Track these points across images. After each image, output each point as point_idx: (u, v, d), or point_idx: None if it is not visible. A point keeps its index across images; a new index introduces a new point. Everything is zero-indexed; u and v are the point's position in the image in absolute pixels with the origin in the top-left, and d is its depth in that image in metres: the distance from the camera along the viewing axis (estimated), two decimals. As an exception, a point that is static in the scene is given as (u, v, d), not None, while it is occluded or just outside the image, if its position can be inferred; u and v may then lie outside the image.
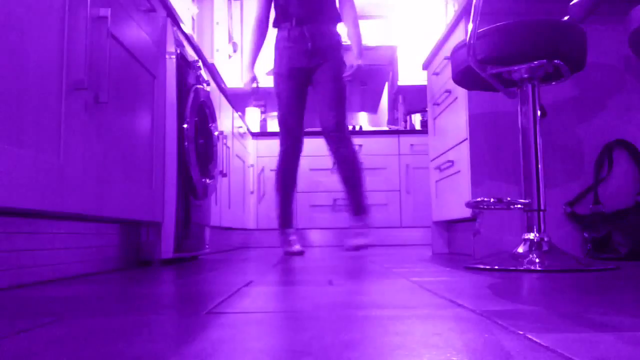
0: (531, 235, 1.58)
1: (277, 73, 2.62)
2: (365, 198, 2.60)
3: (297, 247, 2.56)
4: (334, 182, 4.19)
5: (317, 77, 2.58)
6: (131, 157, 1.62)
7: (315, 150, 4.21)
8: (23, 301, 0.89)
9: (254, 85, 2.70)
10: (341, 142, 2.54)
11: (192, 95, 2.14)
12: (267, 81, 4.52)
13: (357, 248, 2.54)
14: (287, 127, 2.60)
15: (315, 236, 4.24)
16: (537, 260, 1.50)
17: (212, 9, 4.39)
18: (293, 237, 2.63)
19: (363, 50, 2.65)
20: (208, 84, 2.48)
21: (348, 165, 2.55)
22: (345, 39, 2.98)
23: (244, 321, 0.66)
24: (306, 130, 4.37)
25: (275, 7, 2.62)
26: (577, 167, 2.10)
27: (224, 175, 2.82)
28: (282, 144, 2.63)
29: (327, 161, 4.22)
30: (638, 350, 0.48)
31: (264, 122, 4.79)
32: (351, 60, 2.61)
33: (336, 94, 2.55)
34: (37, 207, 1.06)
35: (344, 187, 2.58)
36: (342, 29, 2.75)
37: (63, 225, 1.36)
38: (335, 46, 2.60)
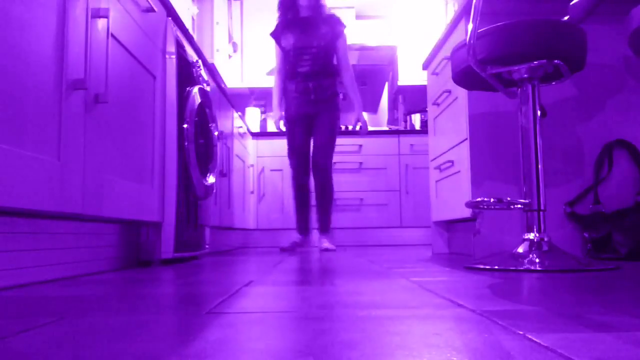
0: (531, 235, 1.58)
1: (287, 117, 3.30)
2: (331, 221, 3.32)
3: (294, 244, 3.27)
4: (333, 181, 4.19)
5: (316, 123, 3.24)
6: (131, 157, 1.62)
7: (315, 150, 4.21)
8: (23, 301, 0.89)
9: (281, 123, 3.35)
10: (324, 176, 3.21)
11: (192, 95, 2.14)
12: (267, 81, 4.52)
13: (328, 250, 3.12)
14: (297, 159, 3.26)
15: (315, 236, 4.23)
16: (537, 260, 1.50)
17: (212, 9, 4.39)
18: (298, 240, 3.31)
19: (361, 102, 3.34)
20: (208, 84, 2.48)
21: (325, 195, 3.24)
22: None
23: (244, 321, 0.66)
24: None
25: (287, 64, 3.27)
26: (577, 167, 2.10)
27: (224, 175, 2.82)
28: (293, 169, 3.30)
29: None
30: (638, 350, 0.48)
31: (264, 122, 4.79)
32: (356, 114, 3.33)
33: (328, 140, 3.21)
34: (37, 207, 1.06)
35: (318, 209, 3.27)
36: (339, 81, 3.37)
37: (63, 225, 1.36)
38: (331, 97, 3.25)
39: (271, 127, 4.79)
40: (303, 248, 3.31)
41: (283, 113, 3.35)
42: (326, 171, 3.20)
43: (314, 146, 3.22)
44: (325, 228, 3.27)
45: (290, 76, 3.27)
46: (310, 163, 3.24)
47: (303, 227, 3.33)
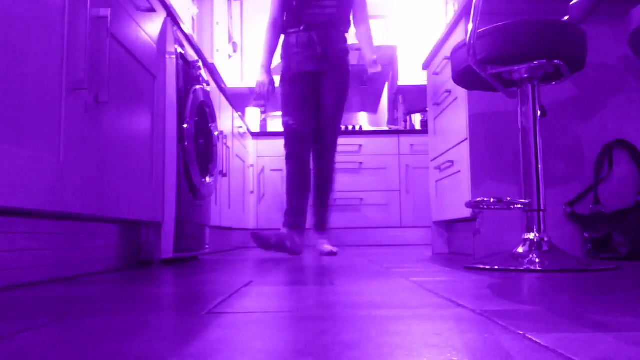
0: (531, 235, 1.58)
1: (286, 77, 2.59)
2: (329, 216, 2.70)
3: (292, 244, 2.43)
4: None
5: (323, 86, 2.60)
6: (131, 157, 1.62)
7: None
8: (23, 301, 0.89)
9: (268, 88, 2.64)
10: (329, 157, 2.62)
11: (192, 95, 2.14)
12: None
13: (331, 254, 2.49)
14: (298, 125, 2.51)
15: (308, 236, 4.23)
16: (537, 260, 1.50)
17: (212, 9, 4.39)
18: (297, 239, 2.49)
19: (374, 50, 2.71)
20: (208, 84, 2.48)
21: (327, 183, 2.63)
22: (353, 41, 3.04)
23: (244, 321, 0.66)
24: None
25: (287, 12, 2.60)
26: (577, 167, 2.09)
27: (224, 175, 2.82)
28: (291, 139, 2.52)
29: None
30: (638, 350, 0.48)
31: (264, 122, 4.79)
32: (368, 57, 2.64)
33: (336, 109, 2.61)
34: (37, 207, 1.06)
35: (315, 201, 2.62)
36: (350, 35, 2.82)
37: (63, 225, 1.36)
38: (342, 54, 2.61)
39: (271, 127, 4.79)
40: (291, 249, 2.44)
41: (274, 77, 2.71)
42: (333, 150, 2.61)
43: (319, 115, 2.61)
44: (323, 225, 2.65)
45: (291, 25, 2.59)
46: (314, 140, 2.60)
47: (297, 220, 2.50)
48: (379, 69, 2.63)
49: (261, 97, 2.62)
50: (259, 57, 2.65)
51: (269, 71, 2.64)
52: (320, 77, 2.61)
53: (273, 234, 2.41)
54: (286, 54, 2.62)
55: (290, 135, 2.54)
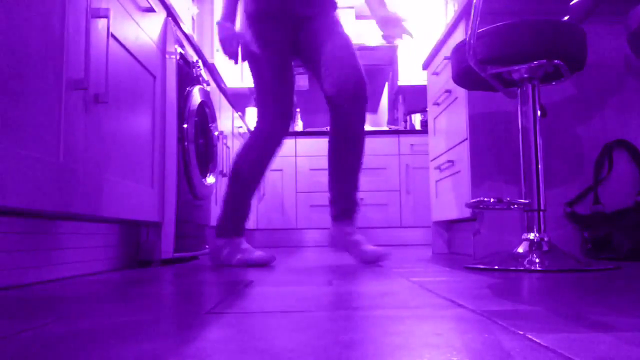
0: (531, 235, 1.58)
1: (258, 17, 1.92)
2: (358, 196, 2.00)
3: (259, 254, 1.80)
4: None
5: (318, 31, 1.89)
6: (131, 157, 1.62)
7: (315, 150, 4.21)
8: (23, 301, 0.89)
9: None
10: (362, 115, 1.88)
11: (192, 95, 2.14)
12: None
13: (375, 258, 1.77)
14: (278, 91, 1.88)
15: (314, 236, 4.24)
16: (537, 260, 1.50)
17: (212, 9, 4.39)
18: (246, 246, 1.86)
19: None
20: (208, 84, 2.48)
21: (359, 149, 1.88)
22: None
23: (244, 321, 0.66)
24: (305, 130, 4.37)
25: None
26: (577, 167, 2.09)
27: (224, 175, 2.82)
28: (264, 123, 1.88)
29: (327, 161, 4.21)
30: (638, 350, 0.48)
31: (264, 122, 4.78)
32: (378, 12, 2.01)
33: (347, 43, 1.87)
34: (37, 207, 1.06)
35: (338, 176, 1.88)
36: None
37: (63, 225, 1.36)
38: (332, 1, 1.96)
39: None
40: (236, 256, 1.83)
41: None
42: (363, 106, 1.89)
43: (327, 69, 1.84)
44: (352, 211, 1.88)
45: None
46: (332, 100, 1.83)
47: (243, 222, 1.91)
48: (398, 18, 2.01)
49: (233, 56, 1.94)
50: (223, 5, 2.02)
51: (230, 24, 1.99)
52: (308, 24, 1.91)
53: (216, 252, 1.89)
54: None
55: (263, 106, 1.90)
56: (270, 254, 1.83)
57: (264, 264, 1.80)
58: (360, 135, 1.89)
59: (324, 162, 4.22)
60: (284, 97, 1.90)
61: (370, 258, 1.77)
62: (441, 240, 2.77)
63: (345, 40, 1.88)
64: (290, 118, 1.93)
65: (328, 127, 4.54)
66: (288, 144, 4.23)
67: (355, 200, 1.90)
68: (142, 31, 1.73)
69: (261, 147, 1.88)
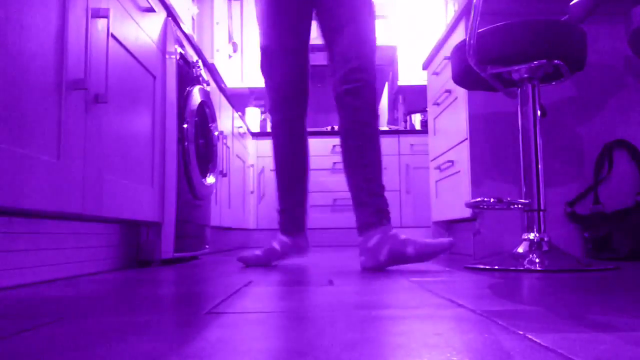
0: (531, 235, 1.58)
1: None
2: (384, 190, 1.58)
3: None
4: (333, 181, 4.19)
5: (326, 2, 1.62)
6: (131, 157, 1.62)
7: (314, 150, 4.21)
8: (23, 301, 0.89)
9: None
10: (372, 97, 1.57)
11: (192, 95, 2.14)
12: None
13: (450, 246, 1.48)
14: (287, 64, 1.65)
15: (314, 236, 4.23)
16: (537, 260, 1.50)
17: (212, 9, 4.39)
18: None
19: None
20: (208, 84, 2.48)
21: (375, 142, 1.57)
22: None
23: (244, 321, 0.66)
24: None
25: None
26: (577, 167, 2.09)
27: (224, 175, 2.82)
28: (277, 112, 1.70)
29: (327, 161, 4.21)
30: (638, 350, 0.48)
31: (264, 122, 4.79)
32: None
33: (370, 24, 1.62)
34: (37, 207, 1.06)
35: (356, 173, 1.57)
36: None
37: (63, 225, 1.36)
38: None
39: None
40: (286, 257, 1.79)
41: None
42: (373, 89, 1.58)
43: (332, 33, 1.61)
44: (383, 212, 1.54)
45: None
46: (336, 80, 1.59)
47: (293, 218, 1.76)
48: None
49: None
50: None
51: None
52: None
53: (266, 255, 1.76)
54: None
55: (267, 60, 1.65)
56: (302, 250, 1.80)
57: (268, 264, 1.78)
58: (376, 122, 1.61)
59: (324, 162, 4.22)
60: (296, 55, 1.58)
61: (434, 250, 1.45)
62: (441, 240, 2.77)
63: (363, 12, 1.61)
64: (303, 97, 1.66)
65: (328, 127, 4.53)
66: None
67: (382, 198, 1.57)
68: (142, 31, 1.73)
69: (280, 127, 1.70)
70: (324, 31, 1.66)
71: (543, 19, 1.53)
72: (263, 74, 1.73)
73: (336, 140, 4.20)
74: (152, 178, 1.81)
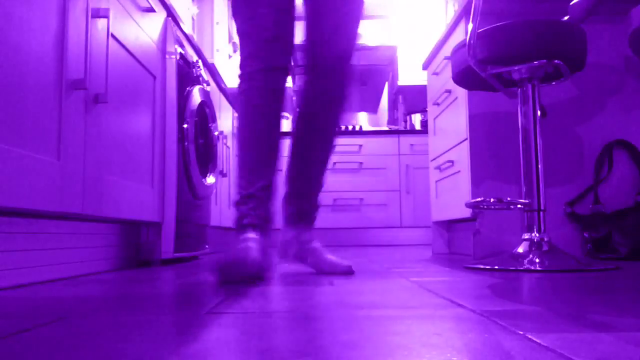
0: (531, 235, 1.58)
1: None
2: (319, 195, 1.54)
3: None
4: (333, 181, 4.19)
5: None
6: (131, 157, 1.62)
7: (315, 150, 4.21)
8: (23, 301, 0.89)
9: None
10: (343, 81, 1.43)
11: (192, 95, 2.14)
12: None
13: (341, 270, 1.42)
14: (272, 22, 1.33)
15: (314, 236, 4.23)
16: (537, 260, 1.50)
17: (212, 9, 4.39)
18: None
19: None
20: (208, 84, 2.48)
21: (329, 137, 1.50)
22: None
23: (244, 321, 0.66)
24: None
25: None
26: (577, 167, 2.09)
27: (224, 175, 2.82)
28: (255, 61, 1.33)
29: (327, 161, 4.21)
30: (638, 350, 0.48)
31: (264, 122, 4.78)
32: None
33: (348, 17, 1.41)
34: (37, 207, 1.06)
35: (304, 169, 1.54)
36: None
37: (63, 225, 1.36)
38: None
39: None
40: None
41: None
42: (349, 77, 1.43)
43: (318, 15, 1.42)
44: (313, 213, 1.55)
45: None
46: (315, 62, 1.43)
47: (266, 188, 1.43)
48: None
49: None
50: None
51: None
52: None
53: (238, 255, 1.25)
54: None
55: (247, 45, 1.36)
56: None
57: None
58: (338, 118, 1.51)
59: (324, 162, 4.21)
60: (281, 21, 1.33)
61: (331, 270, 1.42)
62: (441, 240, 2.77)
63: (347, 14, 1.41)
64: (287, 57, 1.36)
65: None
66: (285, 145, 4.22)
67: (317, 201, 1.54)
68: (142, 31, 1.73)
69: (259, 89, 1.35)
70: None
71: (543, 19, 1.53)
72: (236, 14, 1.37)
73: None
74: (152, 178, 1.81)
